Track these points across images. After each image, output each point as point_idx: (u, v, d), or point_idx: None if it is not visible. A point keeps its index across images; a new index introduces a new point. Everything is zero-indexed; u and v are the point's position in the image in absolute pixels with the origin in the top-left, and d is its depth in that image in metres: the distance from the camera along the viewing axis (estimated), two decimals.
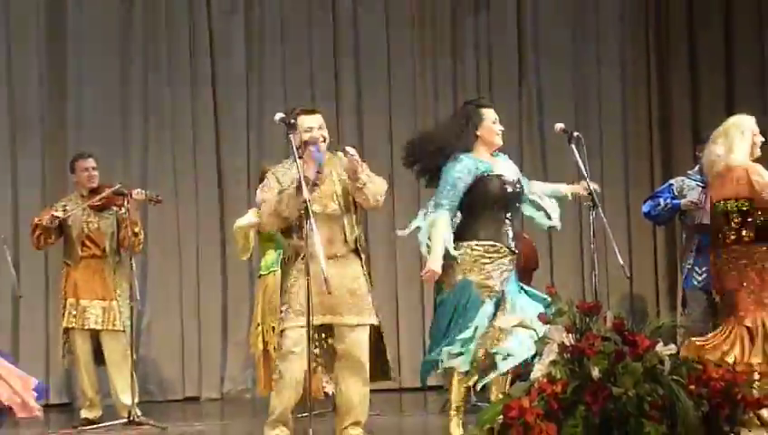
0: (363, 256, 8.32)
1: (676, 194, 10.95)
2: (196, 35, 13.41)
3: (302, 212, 7.86)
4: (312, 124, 8.24)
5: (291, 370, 8.09)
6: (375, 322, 8.30)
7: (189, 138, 13.37)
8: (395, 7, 13.98)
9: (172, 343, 13.00)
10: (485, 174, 8.35)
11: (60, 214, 10.33)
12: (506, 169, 8.52)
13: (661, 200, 11.07)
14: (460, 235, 8.44)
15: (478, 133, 8.48)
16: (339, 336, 8.18)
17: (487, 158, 8.45)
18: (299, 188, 7.87)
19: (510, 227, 8.47)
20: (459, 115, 8.74)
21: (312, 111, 8.41)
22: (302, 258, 8.05)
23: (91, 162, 10.78)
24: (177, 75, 13.36)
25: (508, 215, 8.47)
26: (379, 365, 8.43)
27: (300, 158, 8.07)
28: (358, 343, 8.16)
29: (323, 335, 8.27)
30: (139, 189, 10.63)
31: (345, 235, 8.23)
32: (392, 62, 13.95)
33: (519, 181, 8.55)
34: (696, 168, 11.06)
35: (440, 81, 14.09)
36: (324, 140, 8.23)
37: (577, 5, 14.47)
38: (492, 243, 8.35)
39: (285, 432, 8.12)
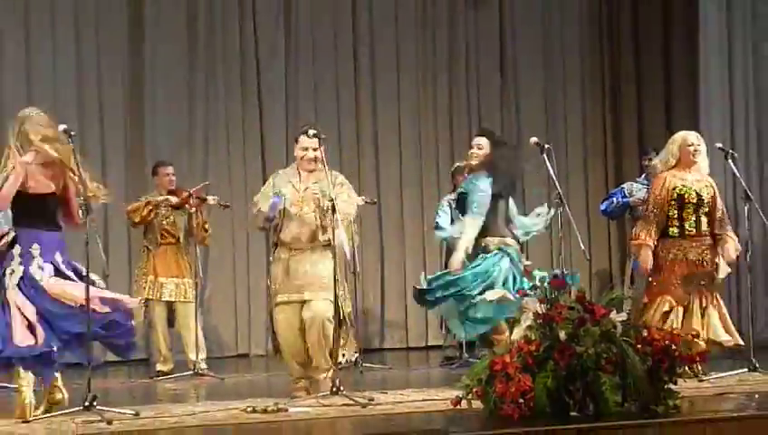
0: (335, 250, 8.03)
1: (627, 194, 10.96)
2: (245, 62, 13.30)
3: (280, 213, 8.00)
4: (307, 145, 8.22)
5: (282, 340, 8.21)
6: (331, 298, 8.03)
7: (240, 139, 13.25)
8: (404, 40, 13.89)
9: (227, 311, 12.98)
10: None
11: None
12: None
13: (614, 199, 11.09)
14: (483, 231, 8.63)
15: None
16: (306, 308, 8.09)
17: None
18: (266, 219, 8.06)
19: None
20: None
21: (309, 131, 8.27)
22: (275, 250, 8.21)
23: (170, 169, 10.86)
24: (231, 88, 13.24)
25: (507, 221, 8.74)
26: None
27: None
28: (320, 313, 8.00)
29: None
30: (214, 196, 10.66)
31: (315, 233, 8.08)
32: (401, 81, 13.89)
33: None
34: (643, 175, 11.08)
35: (439, 100, 14.01)
36: (315, 160, 8.16)
37: (546, 38, 14.37)
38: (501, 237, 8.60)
39: (305, 384, 8.10)
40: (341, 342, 8.47)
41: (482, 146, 8.71)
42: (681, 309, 8.76)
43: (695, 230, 8.87)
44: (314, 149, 8.18)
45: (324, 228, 8.04)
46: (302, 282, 8.07)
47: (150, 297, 10.54)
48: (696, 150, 8.94)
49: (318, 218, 8.06)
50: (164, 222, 10.59)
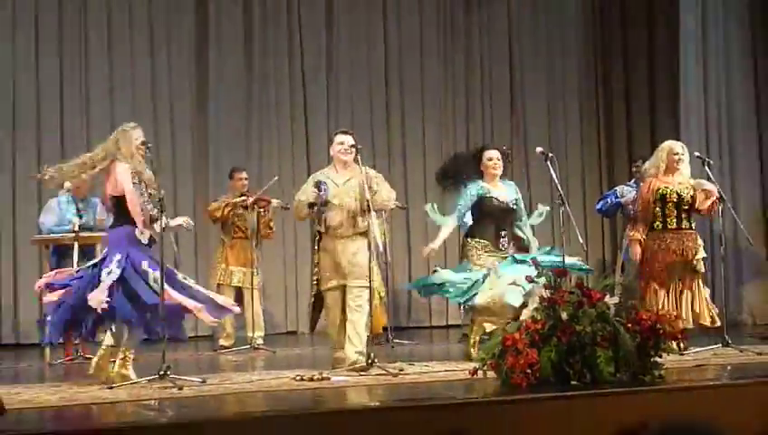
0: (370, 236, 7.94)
1: (619, 195, 10.96)
2: (293, 78, 13.35)
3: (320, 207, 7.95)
4: (343, 140, 8.19)
5: (330, 321, 8.17)
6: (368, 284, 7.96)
7: (288, 144, 13.30)
8: (428, 63, 13.93)
9: (278, 294, 13.02)
10: (483, 195, 8.55)
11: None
12: (502, 192, 8.69)
13: (608, 199, 11.09)
14: (470, 233, 8.75)
15: (481, 168, 8.72)
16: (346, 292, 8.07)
17: (489, 184, 8.59)
18: (310, 205, 7.99)
19: (505, 233, 8.62)
20: (473, 155, 8.96)
21: (345, 132, 8.33)
22: (320, 240, 8.11)
23: (244, 174, 10.93)
24: (280, 100, 13.28)
25: (501, 225, 8.69)
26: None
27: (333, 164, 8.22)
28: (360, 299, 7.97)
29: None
30: (278, 200, 10.70)
31: (356, 221, 8.01)
32: (425, 98, 13.92)
33: (514, 202, 8.74)
34: (632, 180, 11.08)
35: (457, 115, 14.05)
36: (350, 152, 8.12)
37: (549, 64, 14.41)
38: (485, 242, 8.55)
39: (343, 353, 8.02)
40: (384, 318, 8.47)
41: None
42: (664, 292, 8.80)
43: (675, 225, 8.92)
44: (351, 145, 8.15)
45: (362, 215, 7.96)
46: (345, 269, 8.01)
47: (221, 282, 10.61)
48: (679, 159, 8.99)
49: (357, 208, 8.00)
50: (236, 219, 10.64)
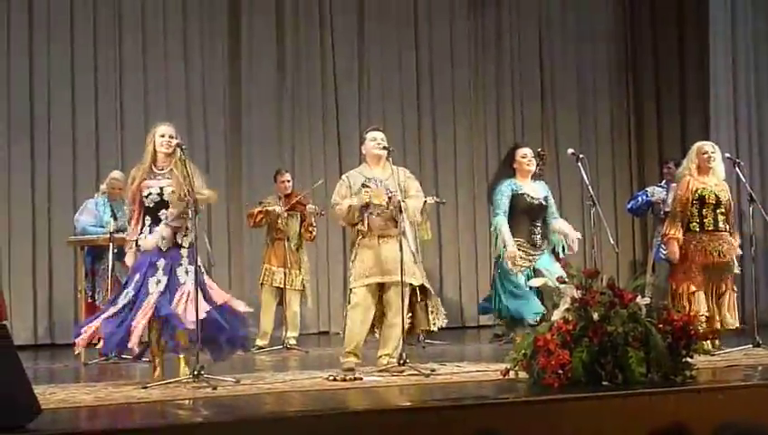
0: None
1: (650, 195, 10.94)
2: (325, 82, 13.35)
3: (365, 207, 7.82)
4: (376, 136, 8.11)
5: (353, 317, 7.90)
6: (414, 282, 7.92)
7: (320, 146, 13.29)
8: (458, 71, 13.92)
9: (311, 295, 12.93)
10: (517, 193, 8.47)
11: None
12: (534, 189, 8.62)
13: (639, 199, 11.09)
14: None
15: (514, 166, 8.64)
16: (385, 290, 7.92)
17: (521, 181, 8.55)
18: (363, 207, 7.84)
19: (539, 230, 8.55)
20: (507, 154, 8.91)
21: (377, 129, 8.29)
22: (363, 239, 7.93)
23: (287, 176, 10.91)
24: (312, 103, 13.31)
25: (535, 222, 8.58)
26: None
27: (365, 162, 8.13)
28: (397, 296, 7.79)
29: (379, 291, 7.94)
30: (313, 206, 10.68)
31: (395, 220, 7.78)
32: (455, 104, 13.91)
33: (545, 199, 8.65)
34: (663, 181, 11.04)
35: (488, 120, 14.03)
36: (386, 148, 8.01)
37: (579, 69, 14.39)
38: (521, 240, 8.46)
39: (354, 360, 7.82)
40: (433, 313, 8.34)
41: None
42: (701, 293, 8.74)
43: (712, 226, 8.81)
44: (382, 139, 8.07)
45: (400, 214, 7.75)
46: (388, 266, 7.77)
47: (264, 282, 10.64)
48: (710, 157, 8.89)
49: (394, 208, 7.81)
50: (278, 222, 10.62)
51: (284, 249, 10.64)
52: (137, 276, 7.33)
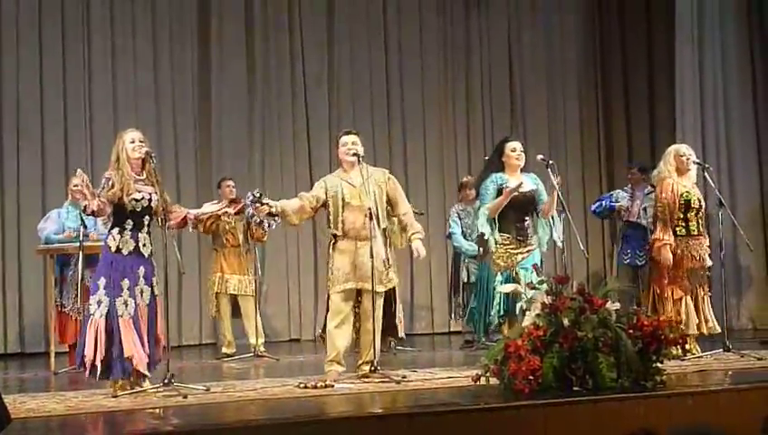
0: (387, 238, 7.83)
1: (614, 200, 10.98)
2: (295, 84, 13.37)
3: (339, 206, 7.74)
4: (347, 141, 7.92)
5: (330, 325, 7.75)
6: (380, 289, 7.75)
7: (290, 151, 13.29)
8: (428, 73, 13.94)
9: (281, 302, 13.01)
10: (502, 187, 8.30)
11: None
12: (523, 182, 8.34)
13: (603, 203, 11.11)
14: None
15: (503, 159, 8.46)
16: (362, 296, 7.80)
17: (509, 175, 8.40)
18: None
19: (528, 224, 8.36)
20: (496, 147, 8.73)
21: (349, 132, 8.04)
22: (337, 242, 7.80)
23: (231, 183, 10.88)
24: (282, 107, 13.31)
25: (523, 216, 8.33)
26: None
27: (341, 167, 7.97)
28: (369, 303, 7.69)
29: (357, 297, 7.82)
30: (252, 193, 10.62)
31: (377, 222, 7.68)
32: (426, 107, 13.96)
33: (533, 192, 8.38)
34: (629, 185, 11.08)
35: (458, 123, 14.08)
36: (356, 154, 7.81)
37: (549, 66, 14.45)
38: (507, 236, 8.27)
39: (338, 368, 7.68)
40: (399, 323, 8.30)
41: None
42: (688, 298, 8.77)
43: (697, 231, 8.86)
44: (353, 144, 7.87)
45: (377, 219, 7.67)
46: (361, 272, 7.65)
47: (219, 291, 10.62)
48: (688, 159, 8.91)
49: (376, 209, 7.69)
50: (227, 228, 10.61)
51: (237, 255, 10.62)
52: (105, 281, 7.25)
